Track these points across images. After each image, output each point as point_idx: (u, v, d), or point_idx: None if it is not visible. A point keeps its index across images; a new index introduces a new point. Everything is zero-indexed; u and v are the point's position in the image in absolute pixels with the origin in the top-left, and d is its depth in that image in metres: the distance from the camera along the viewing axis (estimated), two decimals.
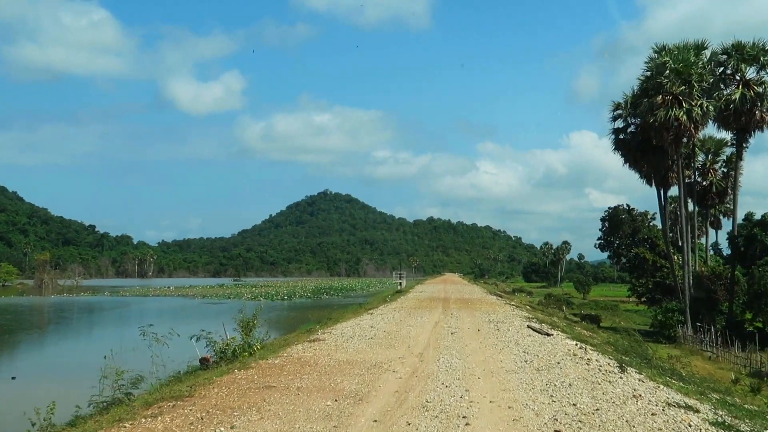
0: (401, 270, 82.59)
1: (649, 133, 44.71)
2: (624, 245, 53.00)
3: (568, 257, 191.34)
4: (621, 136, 49.84)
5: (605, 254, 58.99)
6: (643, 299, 58.49)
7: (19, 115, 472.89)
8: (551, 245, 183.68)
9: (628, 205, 54.71)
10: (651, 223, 53.57)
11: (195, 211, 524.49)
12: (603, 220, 54.46)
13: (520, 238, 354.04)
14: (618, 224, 52.99)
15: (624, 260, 53.82)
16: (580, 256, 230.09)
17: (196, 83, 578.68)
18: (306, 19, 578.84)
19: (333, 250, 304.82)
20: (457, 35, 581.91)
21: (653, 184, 50.60)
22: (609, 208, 54.59)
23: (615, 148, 49.91)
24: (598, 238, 55.17)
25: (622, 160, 50.62)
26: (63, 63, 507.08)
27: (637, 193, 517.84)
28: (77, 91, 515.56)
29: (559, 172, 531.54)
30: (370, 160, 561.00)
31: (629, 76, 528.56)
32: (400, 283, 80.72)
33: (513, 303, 40.53)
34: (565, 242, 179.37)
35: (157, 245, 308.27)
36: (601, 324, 55.23)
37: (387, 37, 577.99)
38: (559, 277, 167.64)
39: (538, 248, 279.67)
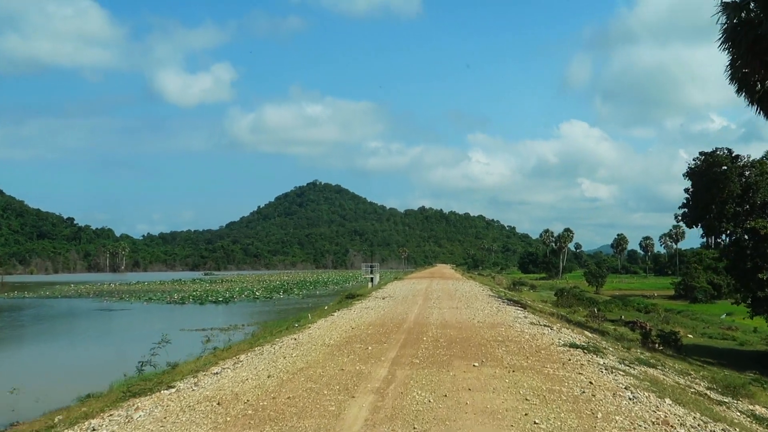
0: (372, 263, 59.01)
1: None
2: (730, 215, 29.28)
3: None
4: (737, 20, 25.72)
5: (696, 232, 35.54)
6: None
7: (5, 109, 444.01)
8: (552, 232, 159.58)
9: (729, 150, 31.39)
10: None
11: (186, 204, 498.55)
12: (690, 175, 30.82)
13: (514, 228, 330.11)
14: (717, 181, 29.89)
15: (726, 240, 30.07)
16: (577, 246, 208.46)
17: (186, 75, 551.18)
18: (296, 10, 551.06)
19: (321, 241, 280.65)
20: (448, 26, 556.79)
21: None
22: (701, 153, 31.11)
23: (724, 41, 25.46)
24: (681, 206, 31.55)
25: (728, 62, 26.00)
26: (49, 55, 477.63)
27: (629, 183, 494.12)
28: (64, 83, 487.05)
29: (550, 162, 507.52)
30: (361, 151, 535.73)
31: (621, 65, 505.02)
32: (371, 279, 57.17)
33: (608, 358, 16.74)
34: (567, 229, 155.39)
35: (142, 238, 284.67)
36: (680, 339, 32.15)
37: (377, 28, 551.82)
38: (560, 267, 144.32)
39: (534, 238, 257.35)
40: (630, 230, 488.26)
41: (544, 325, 18.26)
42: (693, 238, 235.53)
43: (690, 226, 30.83)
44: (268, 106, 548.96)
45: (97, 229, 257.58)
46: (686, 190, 31.60)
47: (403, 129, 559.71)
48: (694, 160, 31.41)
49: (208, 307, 56.51)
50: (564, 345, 13.74)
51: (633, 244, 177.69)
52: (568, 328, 19.63)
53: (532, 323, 18.54)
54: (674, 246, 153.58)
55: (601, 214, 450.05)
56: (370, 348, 12.46)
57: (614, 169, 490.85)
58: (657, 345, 28.54)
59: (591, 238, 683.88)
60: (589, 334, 20.83)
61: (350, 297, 32.24)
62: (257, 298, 64.68)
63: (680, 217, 31.42)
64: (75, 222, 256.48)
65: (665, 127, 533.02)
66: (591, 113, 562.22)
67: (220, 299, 62.01)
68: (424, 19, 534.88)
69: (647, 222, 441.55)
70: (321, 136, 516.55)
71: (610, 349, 16.63)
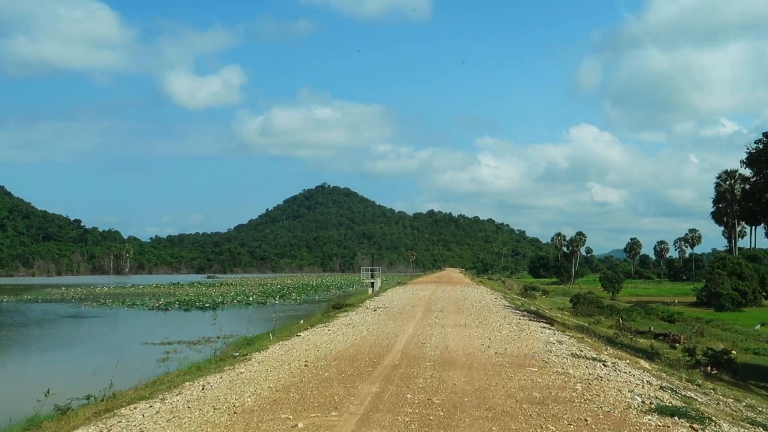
0: (373, 267, 53.42)
1: None
2: None
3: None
4: None
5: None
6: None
7: (15, 111, 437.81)
8: (564, 236, 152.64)
9: None
10: None
11: (194, 206, 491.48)
12: (750, 161, 24.87)
13: (524, 232, 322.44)
14: None
15: None
16: (588, 250, 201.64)
17: (195, 78, 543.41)
18: (306, 13, 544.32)
19: (329, 244, 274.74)
20: (458, 29, 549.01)
21: None
22: (765, 134, 25.14)
23: None
24: (737, 200, 25.56)
25: None
26: (58, 57, 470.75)
27: (639, 187, 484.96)
28: (73, 86, 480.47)
29: (560, 166, 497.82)
30: (370, 154, 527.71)
31: (631, 69, 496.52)
32: (372, 284, 51.44)
33: None
34: (580, 233, 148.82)
35: (149, 241, 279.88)
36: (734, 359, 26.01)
37: (387, 31, 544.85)
38: (573, 272, 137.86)
39: (545, 242, 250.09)
40: (640, 235, 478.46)
41: (593, 359, 12.32)
42: (707, 242, 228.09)
43: (751, 223, 24.70)
44: (277, 109, 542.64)
45: (104, 231, 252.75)
46: (745, 180, 25.51)
47: (411, 132, 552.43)
48: (756, 143, 25.35)
49: (192, 313, 50.90)
50: (649, 409, 7.83)
51: (644, 249, 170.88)
52: (622, 359, 13.69)
53: (573, 354, 12.60)
54: (689, 250, 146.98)
55: (611, 219, 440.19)
56: (300, 425, 6.60)
57: (624, 174, 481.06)
58: (709, 368, 22.70)
59: (600, 243, 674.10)
60: (646, 365, 14.90)
61: (336, 307, 26.40)
62: (250, 304, 58.96)
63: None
64: (82, 224, 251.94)
65: (675, 132, 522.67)
66: (600, 117, 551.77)
67: (208, 305, 56.29)
68: (433, 22, 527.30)
69: (657, 227, 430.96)
70: (330, 139, 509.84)
71: (698, 399, 10.68)
